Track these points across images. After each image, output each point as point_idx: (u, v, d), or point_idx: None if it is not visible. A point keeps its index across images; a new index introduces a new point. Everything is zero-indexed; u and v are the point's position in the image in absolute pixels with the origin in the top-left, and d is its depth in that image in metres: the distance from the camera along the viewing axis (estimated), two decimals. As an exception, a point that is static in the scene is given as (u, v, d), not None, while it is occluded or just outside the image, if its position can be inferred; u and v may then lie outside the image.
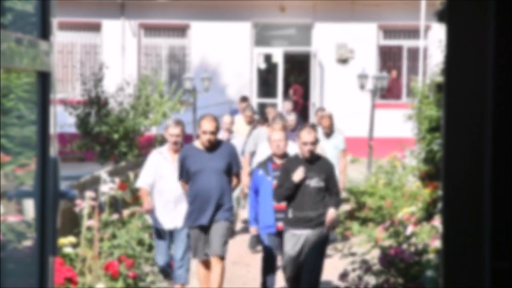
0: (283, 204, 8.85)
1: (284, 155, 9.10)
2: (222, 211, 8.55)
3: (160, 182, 8.96)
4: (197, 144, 8.66)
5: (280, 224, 8.88)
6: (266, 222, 9.02)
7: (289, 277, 8.65)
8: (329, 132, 12.82)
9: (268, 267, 9.06)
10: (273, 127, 10.80)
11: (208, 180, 8.44)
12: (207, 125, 8.48)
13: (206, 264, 8.67)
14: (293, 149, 10.90)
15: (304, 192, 8.35)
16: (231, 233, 9.15)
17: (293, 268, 8.51)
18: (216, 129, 8.57)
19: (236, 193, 11.98)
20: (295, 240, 8.38)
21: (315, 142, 8.54)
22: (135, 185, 9.63)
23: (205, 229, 8.54)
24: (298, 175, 8.29)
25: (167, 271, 9.18)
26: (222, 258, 8.55)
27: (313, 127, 9.25)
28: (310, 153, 8.45)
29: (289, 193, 8.41)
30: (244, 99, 16.55)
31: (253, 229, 9.38)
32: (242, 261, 11.43)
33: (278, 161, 9.06)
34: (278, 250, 9.01)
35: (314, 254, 8.39)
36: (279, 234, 8.90)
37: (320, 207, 8.35)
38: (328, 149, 11.75)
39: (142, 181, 9.12)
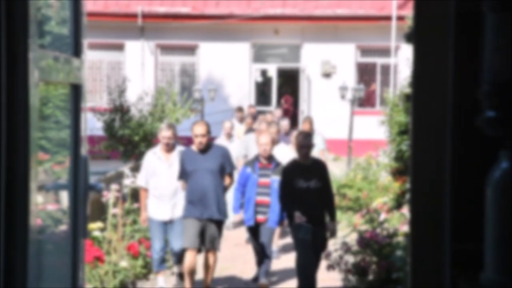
0: (266, 199, 8.62)
1: (269, 156, 8.82)
2: (215, 209, 8.15)
3: (155, 179, 8.54)
4: (193, 147, 8.29)
5: (260, 217, 8.62)
6: (247, 215, 8.69)
7: (307, 269, 7.89)
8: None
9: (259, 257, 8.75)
10: (260, 131, 10.59)
11: (202, 179, 8.07)
12: (198, 129, 8.16)
13: (192, 254, 8.14)
14: (285, 150, 10.69)
15: (306, 194, 7.81)
16: (222, 227, 8.51)
17: (310, 256, 7.85)
18: (206, 132, 8.19)
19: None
20: (305, 228, 7.73)
21: (311, 146, 8.15)
22: (137, 183, 9.19)
23: (198, 221, 8.11)
24: (298, 218, 7.66)
25: (161, 259, 8.63)
26: (215, 251, 8.29)
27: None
28: (306, 156, 8.01)
29: (290, 209, 7.87)
30: (240, 109, 16.52)
31: (237, 216, 9.11)
32: (242, 244, 11.44)
33: (264, 161, 8.77)
34: (251, 241, 8.76)
35: (314, 252, 7.85)
36: (257, 227, 8.64)
37: (319, 205, 7.87)
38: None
39: (141, 180, 8.76)
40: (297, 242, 7.88)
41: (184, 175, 8.21)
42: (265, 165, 8.75)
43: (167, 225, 8.54)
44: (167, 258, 8.97)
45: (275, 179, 8.58)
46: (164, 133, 8.57)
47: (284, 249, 11.01)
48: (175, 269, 8.85)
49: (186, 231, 8.17)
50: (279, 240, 10.87)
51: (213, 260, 8.29)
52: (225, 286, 9.15)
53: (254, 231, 8.78)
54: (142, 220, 8.77)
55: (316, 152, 11.68)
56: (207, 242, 8.22)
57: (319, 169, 8.06)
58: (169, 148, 8.55)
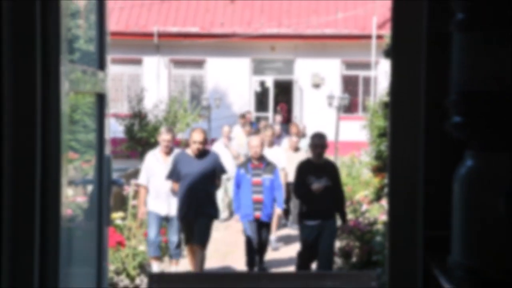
0: (260, 197, 8.19)
1: (261, 157, 8.34)
2: (206, 208, 7.63)
3: (153, 179, 8.01)
4: (189, 151, 7.72)
5: (257, 213, 8.15)
6: (245, 211, 8.17)
7: (304, 261, 7.67)
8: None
9: (250, 248, 8.28)
10: (251, 135, 10.24)
11: (195, 182, 7.53)
12: (197, 136, 7.59)
13: (192, 249, 7.80)
14: (278, 151, 10.61)
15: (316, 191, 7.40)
16: (211, 225, 7.88)
17: (309, 254, 7.56)
18: (204, 140, 7.67)
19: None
20: (309, 230, 7.46)
21: (325, 146, 7.67)
22: (138, 181, 8.49)
23: (192, 221, 7.62)
24: (316, 186, 7.36)
25: (155, 247, 8.10)
26: (203, 246, 7.67)
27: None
28: (319, 156, 7.58)
29: (304, 194, 7.53)
30: (243, 116, 16.46)
31: (237, 217, 8.53)
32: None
33: (256, 162, 8.26)
34: (255, 234, 8.22)
35: (328, 240, 7.41)
36: (256, 221, 8.17)
37: (329, 201, 7.42)
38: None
39: (142, 178, 8.23)
40: (301, 240, 7.69)
41: (175, 176, 7.66)
42: (257, 165, 8.29)
43: (163, 219, 8.12)
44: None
45: (266, 178, 8.24)
46: (164, 136, 8.03)
47: (281, 240, 10.74)
48: (173, 263, 8.37)
49: (184, 232, 7.84)
50: (276, 232, 10.58)
51: (200, 256, 7.68)
52: (230, 269, 9.12)
53: (254, 224, 8.26)
54: (141, 213, 8.22)
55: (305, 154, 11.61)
56: (196, 236, 7.67)
57: (330, 168, 7.68)
58: (168, 150, 8.02)
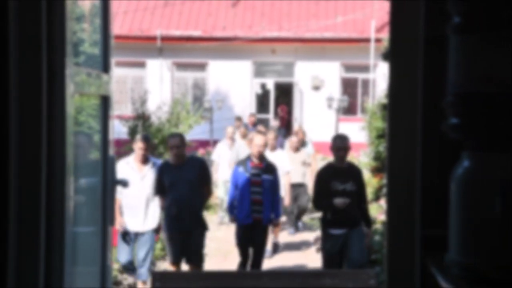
0: (258, 198, 7.45)
1: (261, 156, 7.61)
2: (195, 221, 6.91)
3: (127, 189, 6.75)
4: (170, 160, 7.08)
5: (256, 215, 7.39)
6: (243, 213, 7.42)
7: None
8: (302, 143, 11.67)
9: (244, 254, 7.55)
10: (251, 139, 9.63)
11: (181, 191, 6.80)
12: (173, 140, 6.94)
13: (177, 267, 7.09)
14: (281, 155, 9.84)
15: (342, 196, 6.61)
16: (204, 238, 7.13)
17: (332, 264, 6.75)
18: (181, 144, 6.94)
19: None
20: (334, 240, 6.66)
21: (348, 148, 6.91)
22: None
23: (179, 235, 6.90)
24: (341, 202, 6.58)
25: (129, 268, 7.46)
26: (199, 266, 6.99)
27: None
28: (342, 159, 6.79)
29: (326, 207, 6.71)
30: (239, 118, 16.41)
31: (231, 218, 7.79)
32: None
33: (256, 160, 7.56)
34: (249, 242, 7.48)
35: (357, 248, 6.59)
36: (253, 226, 7.38)
37: (355, 208, 6.64)
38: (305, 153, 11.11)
39: None
40: (324, 251, 6.86)
41: (161, 189, 6.95)
42: (257, 165, 7.58)
43: (136, 236, 7.29)
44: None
45: (266, 178, 7.53)
46: (140, 144, 7.26)
47: (284, 247, 10.07)
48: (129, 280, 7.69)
49: (169, 247, 7.09)
50: (277, 238, 9.90)
51: None
52: (233, 267, 9.08)
53: (250, 230, 7.44)
54: (118, 224, 7.11)
55: (307, 157, 11.21)
56: (189, 256, 6.99)
57: (355, 172, 6.88)
58: (144, 159, 7.24)
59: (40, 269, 2.60)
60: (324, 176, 6.79)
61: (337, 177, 6.72)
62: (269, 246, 9.19)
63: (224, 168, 11.29)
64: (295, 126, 12.86)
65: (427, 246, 2.43)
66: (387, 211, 2.63)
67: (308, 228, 11.58)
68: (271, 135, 9.96)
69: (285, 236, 10.85)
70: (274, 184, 7.66)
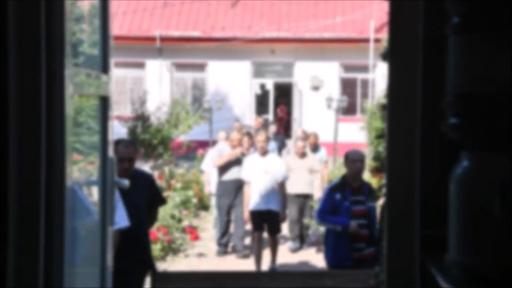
0: (364, 233, 5.83)
1: (358, 178, 5.99)
2: (137, 254, 5.08)
3: None
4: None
5: (358, 254, 5.84)
6: (340, 253, 5.86)
7: None
8: (314, 148, 10.82)
9: None
10: (231, 140, 9.15)
11: (129, 217, 4.75)
12: (122, 150, 5.11)
13: None
14: (274, 160, 8.53)
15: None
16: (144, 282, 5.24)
17: None
18: (130, 156, 5.22)
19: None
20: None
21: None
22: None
23: (124, 276, 4.75)
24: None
25: None
26: None
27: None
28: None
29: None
30: (237, 121, 16.33)
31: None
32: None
33: (355, 184, 5.93)
34: None
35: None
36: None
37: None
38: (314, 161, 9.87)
39: None
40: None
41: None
42: (357, 189, 5.92)
43: None
44: None
45: (372, 206, 5.98)
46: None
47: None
48: None
49: None
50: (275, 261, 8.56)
51: None
52: (233, 267, 9.05)
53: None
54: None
55: (316, 164, 9.99)
56: None
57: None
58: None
59: (39, 269, 2.60)
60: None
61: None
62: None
63: (215, 180, 9.49)
64: (298, 131, 12.13)
65: (427, 246, 2.43)
66: (387, 211, 2.63)
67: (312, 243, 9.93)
68: (260, 137, 8.38)
69: (284, 252, 9.51)
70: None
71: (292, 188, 9.19)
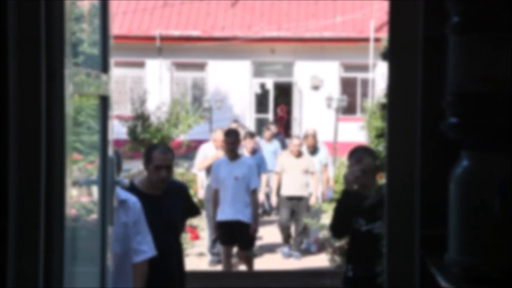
0: None
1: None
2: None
3: None
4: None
5: None
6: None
7: None
8: (313, 150, 9.82)
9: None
10: (215, 139, 8.57)
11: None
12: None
13: None
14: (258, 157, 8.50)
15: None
16: None
17: None
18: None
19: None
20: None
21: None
22: None
23: None
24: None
25: None
26: None
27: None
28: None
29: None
30: (235, 121, 16.27)
31: None
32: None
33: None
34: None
35: None
36: None
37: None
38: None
39: None
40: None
41: None
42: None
43: None
44: None
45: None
46: None
47: None
48: None
49: None
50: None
51: None
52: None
53: None
54: None
55: (319, 168, 9.44)
56: None
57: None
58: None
59: (39, 268, 2.60)
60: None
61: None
62: None
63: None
64: (297, 129, 12.24)
65: (427, 245, 2.43)
66: (387, 210, 2.63)
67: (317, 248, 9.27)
68: (230, 139, 7.51)
69: (281, 261, 8.96)
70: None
71: (285, 189, 8.68)
